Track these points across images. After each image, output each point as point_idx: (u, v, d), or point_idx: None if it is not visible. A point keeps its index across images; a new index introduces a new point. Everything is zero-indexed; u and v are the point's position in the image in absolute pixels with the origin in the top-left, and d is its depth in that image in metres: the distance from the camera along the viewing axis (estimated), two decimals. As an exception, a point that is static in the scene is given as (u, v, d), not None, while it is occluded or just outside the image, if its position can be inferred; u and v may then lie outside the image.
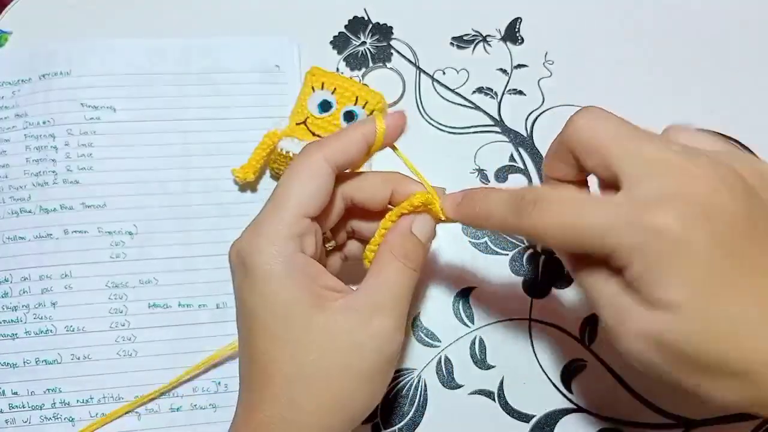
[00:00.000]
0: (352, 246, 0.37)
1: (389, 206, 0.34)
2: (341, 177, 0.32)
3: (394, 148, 0.33)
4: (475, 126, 0.46)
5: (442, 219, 0.33)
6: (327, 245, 0.35)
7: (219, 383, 0.39)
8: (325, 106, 0.42)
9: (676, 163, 0.26)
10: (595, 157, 0.28)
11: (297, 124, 0.42)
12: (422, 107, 0.46)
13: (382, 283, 0.30)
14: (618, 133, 0.27)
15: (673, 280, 0.24)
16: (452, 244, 0.42)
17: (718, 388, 0.25)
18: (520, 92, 0.46)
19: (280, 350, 0.29)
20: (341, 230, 0.35)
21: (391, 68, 0.47)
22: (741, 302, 0.24)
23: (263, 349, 0.29)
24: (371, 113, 0.42)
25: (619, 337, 0.26)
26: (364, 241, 0.35)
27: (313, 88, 0.43)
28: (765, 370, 0.24)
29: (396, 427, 0.39)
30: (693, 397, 0.26)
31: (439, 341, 0.40)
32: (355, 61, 0.47)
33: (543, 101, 0.46)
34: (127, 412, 0.38)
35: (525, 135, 0.45)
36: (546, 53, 0.47)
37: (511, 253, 0.42)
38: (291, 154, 0.41)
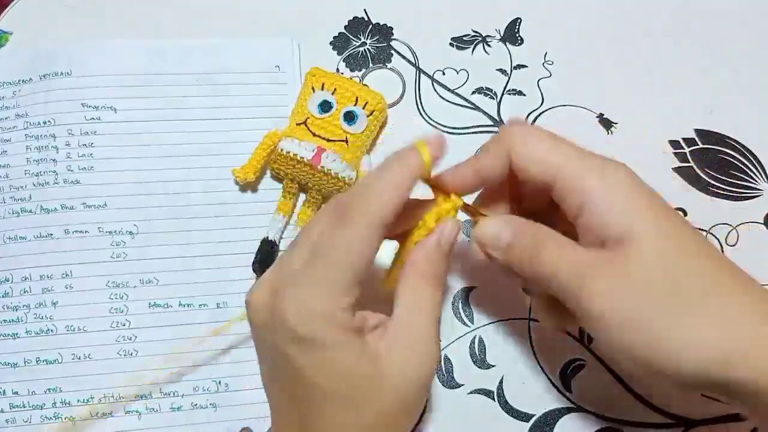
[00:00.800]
0: None
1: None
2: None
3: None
4: (475, 126, 0.46)
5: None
6: None
7: (219, 383, 0.39)
8: (325, 106, 0.42)
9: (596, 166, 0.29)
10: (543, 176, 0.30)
11: (297, 124, 0.42)
12: (422, 107, 0.46)
13: (420, 312, 0.30)
14: (554, 153, 0.30)
15: (635, 218, 0.28)
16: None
17: (688, 331, 0.27)
18: (520, 93, 0.46)
19: (345, 414, 0.28)
20: None
21: (391, 69, 0.47)
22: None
23: (330, 417, 0.28)
24: (371, 114, 0.42)
25: (583, 301, 0.28)
26: None
27: (313, 89, 0.43)
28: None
29: (396, 427, 0.39)
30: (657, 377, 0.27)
31: (439, 341, 0.40)
32: (355, 62, 0.47)
33: (542, 102, 0.46)
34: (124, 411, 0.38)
35: (525, 135, 0.45)
36: (546, 53, 0.48)
37: (510, 253, 0.42)
38: (291, 154, 0.41)
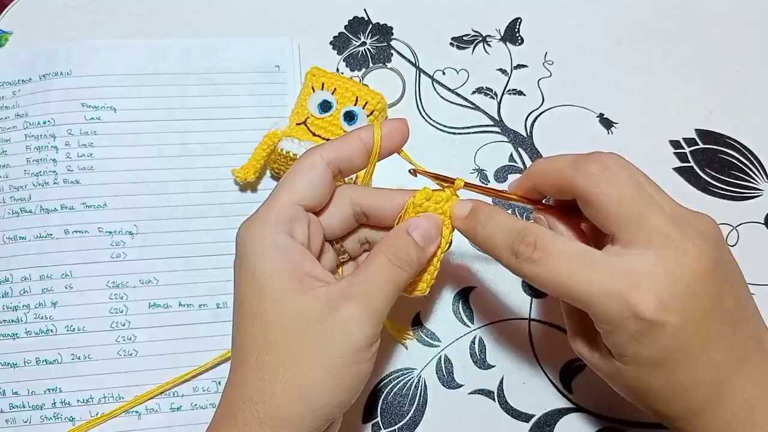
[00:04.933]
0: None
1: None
2: (353, 187, 0.34)
3: (400, 152, 0.33)
4: (475, 126, 0.46)
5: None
6: (340, 257, 0.35)
7: (219, 383, 0.39)
8: (325, 106, 0.42)
9: (674, 238, 0.28)
10: (597, 215, 0.29)
11: (297, 124, 0.42)
12: (422, 107, 0.46)
13: (361, 274, 0.30)
14: (624, 198, 0.29)
15: (640, 358, 0.28)
16: (452, 244, 0.42)
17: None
18: (520, 92, 0.46)
19: (253, 328, 0.29)
20: (354, 241, 0.35)
21: (391, 68, 0.47)
22: (694, 377, 0.28)
23: (242, 327, 0.30)
24: (371, 114, 0.43)
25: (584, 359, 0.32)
26: None
27: (313, 89, 0.43)
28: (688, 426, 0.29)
29: (396, 427, 0.39)
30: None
31: (439, 341, 0.40)
32: (355, 62, 0.47)
33: (543, 101, 0.46)
34: (124, 412, 0.38)
35: (525, 135, 0.45)
36: (546, 53, 0.47)
37: (510, 253, 0.42)
38: (291, 154, 0.41)
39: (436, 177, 0.33)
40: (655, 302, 0.27)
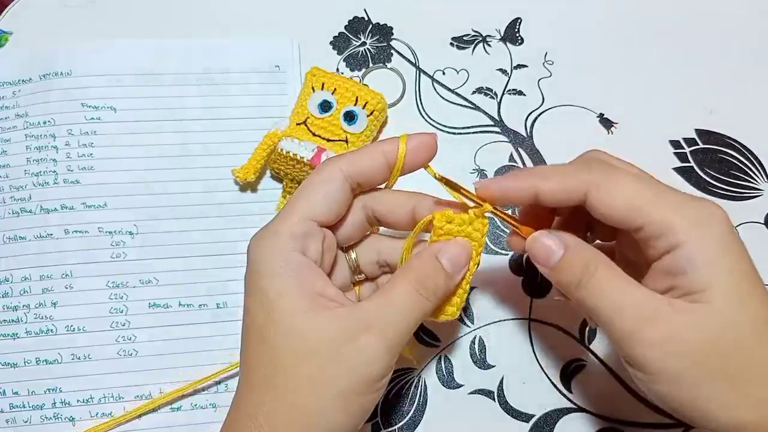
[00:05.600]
0: (385, 280, 0.35)
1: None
2: (364, 192, 0.32)
3: (426, 167, 0.31)
4: (475, 126, 0.46)
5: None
6: (356, 276, 0.34)
7: (219, 383, 0.39)
8: (325, 106, 0.42)
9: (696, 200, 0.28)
10: (632, 221, 0.28)
11: (297, 124, 0.42)
12: (422, 107, 0.46)
13: (384, 303, 0.28)
14: (641, 195, 0.28)
15: (717, 276, 0.26)
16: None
17: (729, 407, 0.26)
18: (520, 92, 0.46)
19: (261, 347, 0.28)
20: (371, 260, 0.34)
21: (391, 68, 0.47)
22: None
23: (251, 346, 0.28)
24: (371, 114, 0.42)
25: (635, 345, 0.27)
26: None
27: (313, 89, 0.43)
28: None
29: (396, 427, 0.39)
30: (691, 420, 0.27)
31: (439, 341, 0.40)
32: (355, 62, 0.47)
33: (543, 101, 0.46)
34: (127, 421, 0.38)
35: (525, 135, 0.45)
36: (546, 53, 0.47)
37: (511, 253, 0.42)
38: (291, 154, 0.41)
39: (464, 194, 0.31)
40: (717, 224, 0.27)
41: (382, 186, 0.32)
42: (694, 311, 0.26)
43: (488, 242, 0.42)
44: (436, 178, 0.31)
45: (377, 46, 0.48)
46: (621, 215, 0.28)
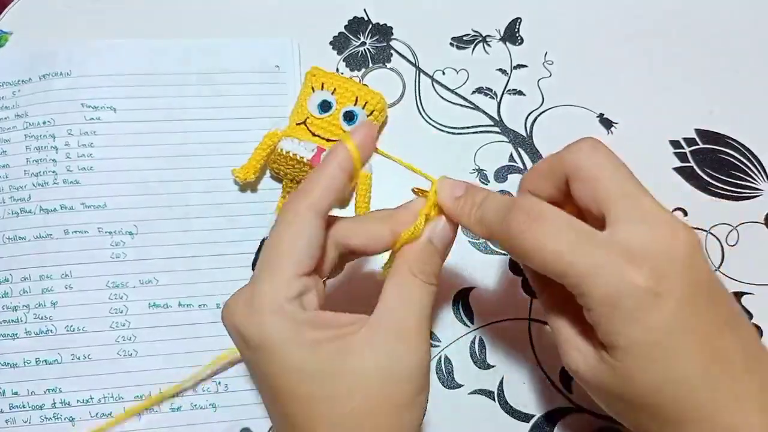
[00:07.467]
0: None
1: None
2: (332, 224, 0.31)
3: (376, 151, 0.31)
4: (475, 126, 0.46)
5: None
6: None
7: (219, 383, 0.39)
8: (325, 106, 0.42)
9: (667, 218, 0.27)
10: (589, 189, 0.28)
11: (297, 124, 0.42)
12: (422, 107, 0.46)
13: (403, 306, 0.28)
14: (617, 175, 0.28)
15: (635, 345, 0.26)
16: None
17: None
18: (520, 92, 0.46)
19: (317, 408, 0.27)
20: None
21: (390, 68, 0.47)
22: (692, 360, 0.26)
23: (298, 412, 0.27)
24: (371, 113, 0.42)
25: (572, 373, 0.29)
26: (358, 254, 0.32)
27: (313, 89, 0.43)
28: (695, 428, 0.26)
29: (396, 427, 0.39)
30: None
31: (439, 341, 0.40)
32: (355, 62, 0.47)
33: (542, 101, 0.46)
34: (128, 417, 0.38)
35: (524, 135, 0.45)
36: (546, 53, 0.47)
37: (510, 253, 0.42)
38: (291, 154, 0.41)
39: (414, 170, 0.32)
40: (653, 273, 0.25)
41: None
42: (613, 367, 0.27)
43: (488, 242, 0.42)
44: (387, 157, 0.32)
45: (377, 46, 0.48)
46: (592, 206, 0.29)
